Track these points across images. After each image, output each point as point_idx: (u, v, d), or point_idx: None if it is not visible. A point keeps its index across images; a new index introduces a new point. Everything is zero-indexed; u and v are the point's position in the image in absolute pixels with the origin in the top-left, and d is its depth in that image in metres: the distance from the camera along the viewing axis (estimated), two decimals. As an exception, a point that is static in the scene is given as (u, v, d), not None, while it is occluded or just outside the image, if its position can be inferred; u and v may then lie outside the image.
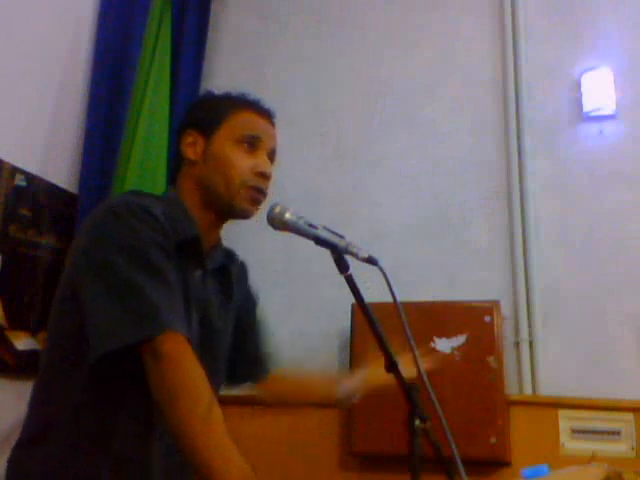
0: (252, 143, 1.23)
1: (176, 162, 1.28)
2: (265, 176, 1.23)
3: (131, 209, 1.08)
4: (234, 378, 1.45)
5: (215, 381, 1.25)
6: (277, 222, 1.17)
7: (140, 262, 1.04)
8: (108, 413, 1.08)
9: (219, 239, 1.32)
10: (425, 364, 1.26)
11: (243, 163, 1.21)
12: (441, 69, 2.53)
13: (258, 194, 1.23)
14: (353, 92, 2.64)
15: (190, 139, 1.25)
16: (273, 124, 1.30)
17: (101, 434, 1.07)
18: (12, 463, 1.13)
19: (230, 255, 1.38)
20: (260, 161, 1.23)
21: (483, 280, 2.25)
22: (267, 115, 1.28)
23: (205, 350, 1.19)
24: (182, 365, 1.00)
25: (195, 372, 1.01)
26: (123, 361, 1.01)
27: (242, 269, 1.43)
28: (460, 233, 2.33)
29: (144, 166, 2.22)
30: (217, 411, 1.00)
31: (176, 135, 1.30)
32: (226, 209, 1.23)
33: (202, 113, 1.27)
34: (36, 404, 1.15)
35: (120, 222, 1.07)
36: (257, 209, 1.24)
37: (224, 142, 1.22)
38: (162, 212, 1.12)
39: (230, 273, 1.33)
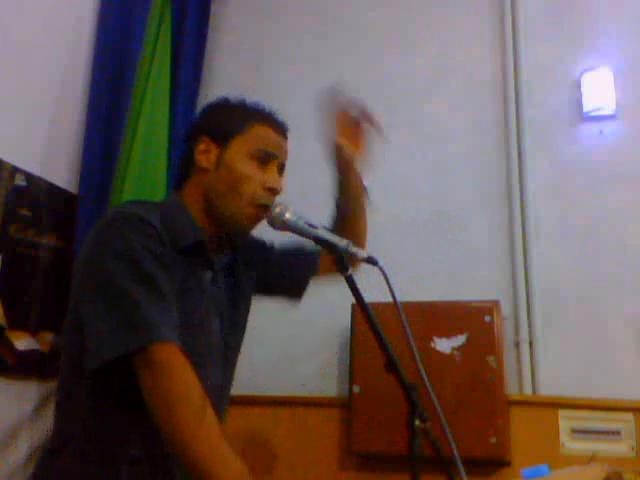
0: (265, 158, 1.23)
1: (185, 167, 1.27)
2: (275, 192, 1.23)
3: (128, 219, 1.09)
4: (299, 291, 1.51)
5: (228, 378, 1.28)
6: (277, 222, 1.17)
7: (134, 272, 1.05)
8: (121, 419, 1.09)
9: (224, 236, 1.32)
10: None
11: (255, 178, 1.21)
12: (441, 69, 2.53)
13: (262, 212, 1.22)
14: (353, 92, 2.63)
15: (203, 146, 1.24)
16: (287, 138, 1.30)
17: (117, 440, 1.09)
18: (36, 474, 1.14)
19: (234, 244, 1.36)
20: (271, 176, 1.23)
21: (483, 280, 2.25)
22: (282, 129, 1.29)
23: (225, 347, 1.24)
24: (173, 372, 1.01)
25: (187, 378, 1.01)
26: (123, 369, 1.02)
27: (244, 240, 1.41)
28: (460, 233, 2.33)
29: (144, 166, 2.22)
30: (211, 415, 1.00)
31: (187, 139, 1.29)
32: (226, 223, 1.23)
33: (217, 121, 1.26)
34: (56, 414, 1.16)
35: (117, 233, 1.08)
36: (256, 226, 1.25)
37: (238, 154, 1.22)
38: (161, 220, 1.13)
39: (239, 268, 1.34)
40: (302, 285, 1.51)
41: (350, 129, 1.51)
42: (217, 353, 1.21)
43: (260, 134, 1.24)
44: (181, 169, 1.29)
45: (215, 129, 1.25)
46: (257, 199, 1.20)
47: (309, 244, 1.41)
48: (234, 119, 1.25)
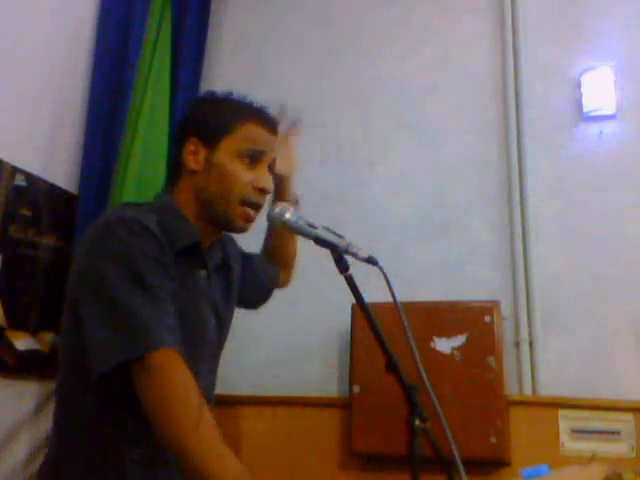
0: (255, 157, 1.21)
1: (175, 169, 1.26)
2: (265, 192, 1.22)
3: (125, 224, 1.08)
4: (260, 301, 1.60)
5: (214, 373, 1.28)
6: (277, 222, 1.17)
7: (131, 279, 1.04)
8: (126, 423, 1.09)
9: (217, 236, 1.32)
10: None
11: (244, 178, 1.19)
12: (441, 69, 2.53)
13: (254, 211, 1.22)
14: (353, 92, 2.64)
15: (192, 147, 1.22)
16: (276, 133, 1.28)
17: (122, 444, 1.09)
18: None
19: (223, 244, 1.37)
20: (261, 176, 1.22)
21: (483, 280, 2.25)
22: (272, 125, 1.26)
23: (217, 347, 1.25)
24: (170, 376, 1.01)
25: (183, 380, 1.02)
26: (125, 375, 1.02)
27: (231, 244, 1.44)
28: (460, 233, 2.33)
29: (144, 166, 2.22)
30: (208, 416, 1.00)
31: (175, 140, 1.28)
32: (221, 223, 1.23)
33: (205, 120, 1.24)
34: (57, 422, 1.16)
35: (114, 238, 1.07)
36: (251, 225, 1.24)
37: (227, 155, 1.20)
38: (158, 222, 1.12)
39: (230, 266, 1.34)
40: (266, 296, 1.60)
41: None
42: (210, 352, 1.22)
43: (249, 133, 1.22)
44: (171, 170, 1.28)
45: (203, 129, 1.22)
46: (247, 199, 1.20)
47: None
48: (222, 118, 1.22)
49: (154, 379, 1.00)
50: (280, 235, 1.58)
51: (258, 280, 1.54)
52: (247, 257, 1.51)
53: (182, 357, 1.03)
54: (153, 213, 1.15)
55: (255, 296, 1.57)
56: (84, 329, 1.05)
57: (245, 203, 1.20)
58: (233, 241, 1.46)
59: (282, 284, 1.66)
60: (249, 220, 1.22)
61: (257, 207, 1.22)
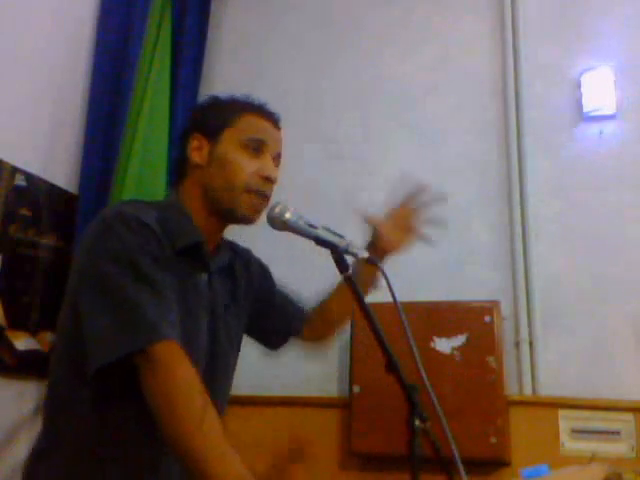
0: (257, 147, 1.23)
1: (181, 166, 1.27)
2: (270, 180, 1.23)
3: (124, 220, 1.09)
4: (277, 341, 1.51)
5: (220, 380, 1.26)
6: (277, 222, 1.17)
7: (132, 273, 1.04)
8: (117, 424, 1.09)
9: (222, 238, 1.32)
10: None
11: (248, 167, 1.21)
12: (441, 69, 2.53)
13: (261, 200, 1.22)
14: (353, 92, 2.64)
15: (196, 143, 1.24)
16: (279, 128, 1.29)
17: (112, 445, 1.08)
18: (25, 475, 1.14)
19: (233, 249, 1.37)
20: (265, 165, 1.23)
21: (483, 280, 2.25)
22: (273, 118, 1.28)
23: (213, 351, 1.22)
24: (174, 371, 1.01)
25: (187, 375, 1.02)
26: (123, 372, 1.02)
27: (247, 256, 1.43)
28: (460, 233, 2.33)
29: (144, 166, 2.22)
30: (212, 413, 1.00)
31: (180, 139, 1.29)
32: (228, 214, 1.23)
33: (207, 117, 1.27)
34: (46, 417, 1.16)
35: (113, 234, 1.07)
36: (259, 215, 1.24)
37: (229, 145, 1.22)
38: (158, 220, 1.12)
39: (235, 271, 1.34)
40: (285, 335, 1.51)
41: (404, 220, 1.52)
42: (202, 355, 1.20)
43: (250, 123, 1.24)
44: (177, 169, 1.29)
45: (206, 125, 1.25)
46: (252, 187, 1.20)
47: (302, 299, 1.51)
48: (223, 112, 1.25)
49: (157, 373, 1.00)
50: (335, 298, 1.52)
51: (271, 318, 1.48)
52: (267, 279, 1.48)
53: (185, 352, 1.03)
54: (155, 210, 1.16)
55: (267, 324, 1.48)
56: (85, 326, 1.05)
57: (250, 191, 1.20)
58: (249, 252, 1.46)
59: (308, 336, 1.55)
60: (255, 209, 1.22)
61: (263, 196, 1.22)
